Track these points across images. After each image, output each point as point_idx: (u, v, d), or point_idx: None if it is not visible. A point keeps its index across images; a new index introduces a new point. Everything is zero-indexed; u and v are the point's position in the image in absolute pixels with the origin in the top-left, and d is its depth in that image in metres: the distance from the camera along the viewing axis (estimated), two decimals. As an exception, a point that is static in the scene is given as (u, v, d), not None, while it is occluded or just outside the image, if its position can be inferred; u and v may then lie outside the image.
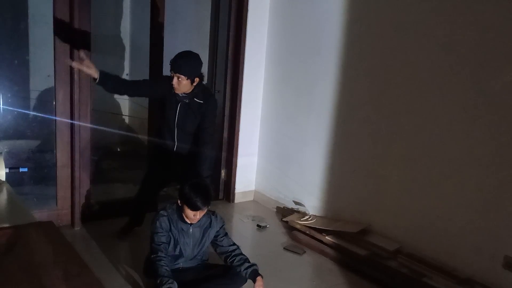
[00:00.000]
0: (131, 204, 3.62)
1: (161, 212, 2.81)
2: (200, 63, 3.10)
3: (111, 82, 3.02)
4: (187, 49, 3.13)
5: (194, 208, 2.70)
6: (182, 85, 3.05)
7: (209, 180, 3.26)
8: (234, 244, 2.92)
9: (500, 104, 2.85)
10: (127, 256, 3.35)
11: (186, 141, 3.26)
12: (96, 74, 2.94)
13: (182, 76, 3.01)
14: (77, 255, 1.76)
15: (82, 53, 3.00)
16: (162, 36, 3.84)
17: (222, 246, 2.90)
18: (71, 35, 3.34)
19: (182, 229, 2.80)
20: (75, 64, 2.98)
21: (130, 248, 3.47)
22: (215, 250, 2.95)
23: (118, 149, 5.52)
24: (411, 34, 3.26)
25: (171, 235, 2.79)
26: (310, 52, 3.98)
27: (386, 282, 3.14)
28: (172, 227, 2.79)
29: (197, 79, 3.08)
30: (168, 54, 4.01)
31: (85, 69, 2.93)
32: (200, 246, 2.89)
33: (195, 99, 3.15)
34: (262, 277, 2.79)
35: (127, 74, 5.69)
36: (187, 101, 3.14)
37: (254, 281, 2.77)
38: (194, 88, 3.11)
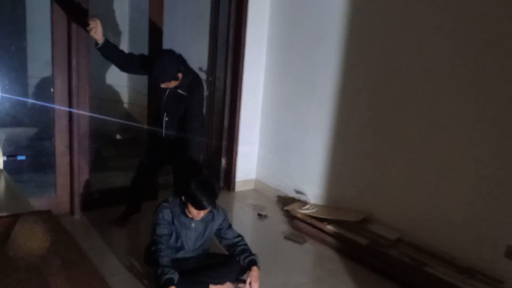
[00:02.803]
0: (127, 191, 3.61)
1: (164, 204, 2.80)
2: (172, 60, 3.03)
3: (111, 52, 3.11)
4: (179, 40, 3.07)
5: (200, 207, 2.67)
6: (171, 85, 3.09)
7: (201, 160, 3.22)
8: (238, 236, 2.92)
9: (502, 94, 2.82)
10: (127, 244, 3.35)
11: (174, 127, 3.24)
12: (100, 40, 3.00)
13: (165, 82, 3.04)
14: (76, 244, 1.75)
15: (95, 18, 3.01)
16: (162, 23, 3.79)
17: (227, 239, 2.90)
18: (69, 21, 3.29)
19: (185, 223, 2.79)
20: (90, 22, 2.97)
21: (129, 236, 3.46)
22: (220, 242, 2.95)
23: (117, 137, 5.49)
24: (413, 23, 3.22)
25: (173, 228, 2.78)
26: (312, 40, 3.94)
27: (386, 271, 3.14)
28: (175, 220, 2.77)
29: (179, 74, 3.06)
30: (168, 42, 3.97)
31: (92, 32, 2.96)
32: (202, 239, 2.89)
33: (178, 90, 3.13)
34: (259, 268, 2.79)
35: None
36: (173, 90, 3.14)
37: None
38: (181, 79, 3.11)
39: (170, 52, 3.07)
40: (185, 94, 3.12)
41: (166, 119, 3.22)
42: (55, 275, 1.52)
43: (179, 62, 3.06)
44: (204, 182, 2.70)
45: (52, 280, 1.49)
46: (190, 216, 2.75)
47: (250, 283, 2.74)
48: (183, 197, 2.73)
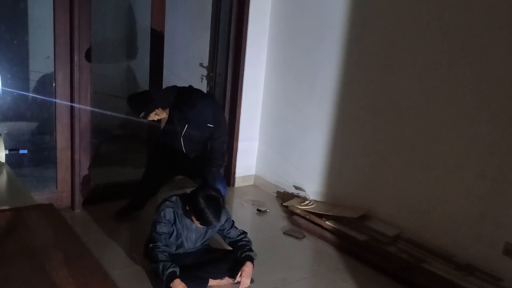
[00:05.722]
0: (133, 192, 3.61)
1: (167, 203, 2.79)
2: (214, 103, 3.25)
3: None
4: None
5: (205, 224, 2.70)
6: None
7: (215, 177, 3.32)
8: (242, 233, 2.93)
9: (504, 89, 2.83)
10: (128, 238, 3.36)
11: (194, 148, 3.31)
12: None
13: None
14: (78, 238, 1.76)
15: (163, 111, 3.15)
16: (163, 19, 3.79)
17: (230, 237, 2.91)
18: (71, 15, 3.29)
19: (186, 224, 2.80)
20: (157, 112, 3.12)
21: (130, 230, 3.47)
22: (224, 240, 2.97)
23: (118, 132, 5.49)
24: (414, 22, 3.22)
25: (175, 228, 2.79)
26: (313, 37, 3.94)
27: (385, 267, 3.15)
28: (177, 221, 2.78)
29: None
30: (169, 38, 3.97)
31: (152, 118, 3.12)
32: (202, 239, 2.90)
33: (208, 124, 3.22)
34: (253, 264, 2.80)
35: (128, 58, 5.64)
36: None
37: None
38: None
39: (210, 96, 3.31)
40: (212, 126, 3.24)
41: (185, 143, 3.27)
42: (57, 269, 1.52)
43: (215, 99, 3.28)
44: (211, 198, 2.67)
45: (54, 274, 1.49)
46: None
47: (240, 276, 2.77)
48: (187, 207, 2.74)
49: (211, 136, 3.26)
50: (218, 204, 2.68)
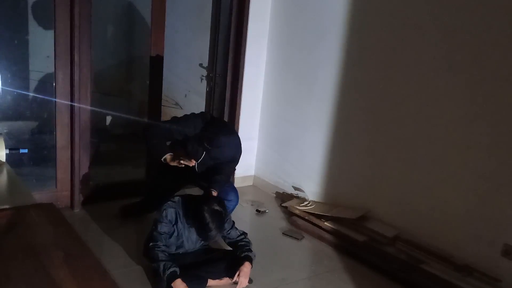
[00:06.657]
0: (142, 195, 3.60)
1: (170, 202, 2.80)
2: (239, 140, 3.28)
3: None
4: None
5: (205, 238, 2.74)
6: None
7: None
8: (242, 234, 2.94)
9: (503, 89, 2.83)
10: (127, 237, 3.36)
11: (207, 166, 3.30)
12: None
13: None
14: (78, 237, 1.76)
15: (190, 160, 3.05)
16: (164, 19, 3.79)
17: (230, 238, 2.92)
18: (72, 15, 3.29)
19: (188, 225, 2.81)
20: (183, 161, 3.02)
21: (129, 230, 3.47)
22: (224, 240, 2.97)
23: (118, 131, 5.49)
24: (414, 20, 3.23)
25: (176, 229, 2.79)
26: (313, 37, 3.94)
27: (384, 268, 3.16)
28: (179, 221, 2.79)
29: None
30: (169, 37, 3.97)
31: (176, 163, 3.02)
32: (202, 241, 2.90)
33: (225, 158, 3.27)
34: (252, 264, 2.81)
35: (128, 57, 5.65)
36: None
37: None
38: None
39: (232, 132, 3.32)
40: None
41: (198, 164, 3.24)
42: (57, 267, 1.52)
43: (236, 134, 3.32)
44: (215, 213, 2.67)
45: (54, 273, 1.49)
46: None
47: (238, 276, 2.77)
48: (189, 216, 2.75)
49: (224, 163, 3.31)
50: (221, 218, 2.69)
